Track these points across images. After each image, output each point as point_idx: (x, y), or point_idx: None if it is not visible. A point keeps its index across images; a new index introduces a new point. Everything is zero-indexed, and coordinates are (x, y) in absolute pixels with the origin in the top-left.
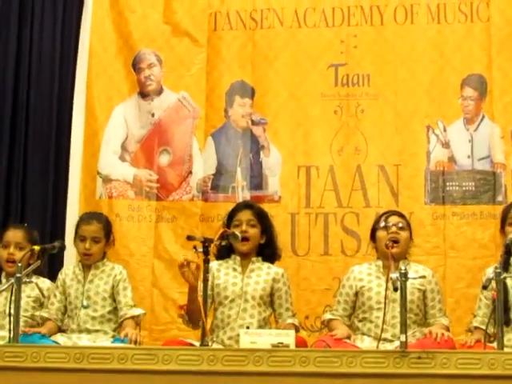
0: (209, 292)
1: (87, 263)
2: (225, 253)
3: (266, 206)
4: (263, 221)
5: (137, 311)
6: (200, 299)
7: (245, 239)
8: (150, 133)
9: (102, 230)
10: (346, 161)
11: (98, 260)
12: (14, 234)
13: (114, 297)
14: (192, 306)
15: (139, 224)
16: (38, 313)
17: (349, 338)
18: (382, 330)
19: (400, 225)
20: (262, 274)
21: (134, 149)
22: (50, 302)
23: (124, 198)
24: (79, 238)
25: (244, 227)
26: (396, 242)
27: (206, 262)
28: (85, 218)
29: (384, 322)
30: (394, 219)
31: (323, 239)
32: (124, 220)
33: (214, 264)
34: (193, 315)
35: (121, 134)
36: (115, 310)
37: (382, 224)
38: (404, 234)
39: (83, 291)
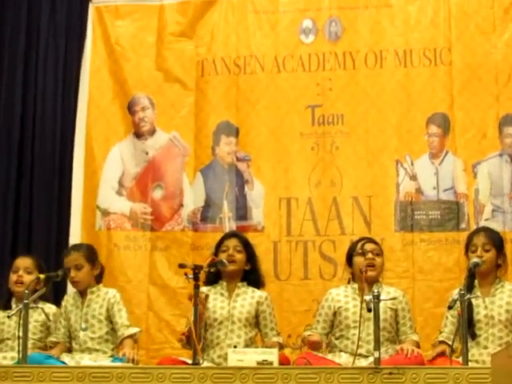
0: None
1: (78, 289)
2: (213, 279)
3: (250, 235)
4: (248, 249)
5: (133, 330)
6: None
7: (232, 262)
8: (144, 170)
9: (82, 257)
10: (322, 193)
11: (87, 285)
12: (23, 261)
13: (110, 319)
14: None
15: (135, 253)
16: (48, 339)
17: (320, 343)
18: (358, 347)
19: (376, 251)
20: (247, 297)
21: (129, 184)
22: (57, 328)
23: (121, 229)
24: (66, 269)
25: (231, 251)
26: (372, 266)
27: (196, 287)
28: (66, 251)
29: (359, 338)
30: (370, 246)
31: (303, 265)
32: (122, 249)
33: (203, 289)
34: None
35: (118, 171)
36: (112, 331)
37: (360, 250)
38: (379, 260)
39: (81, 315)
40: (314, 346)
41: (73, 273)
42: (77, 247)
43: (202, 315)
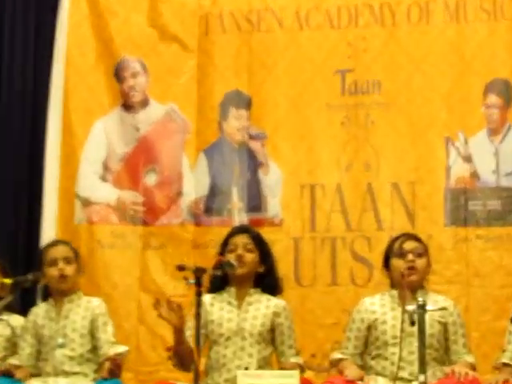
0: (202, 330)
1: (62, 288)
2: (219, 284)
3: (265, 231)
4: (261, 247)
5: (119, 348)
6: (190, 339)
7: (242, 263)
8: (134, 150)
9: (71, 252)
10: (354, 178)
11: (71, 288)
12: None
13: (92, 333)
14: (180, 348)
15: (123, 252)
16: (8, 360)
17: (361, 379)
18: (399, 368)
19: (417, 251)
20: (261, 307)
21: (116, 168)
22: (21, 348)
23: (106, 223)
24: (49, 263)
25: (240, 251)
26: (413, 269)
27: (199, 294)
28: (49, 244)
29: (400, 358)
30: (410, 245)
31: (330, 267)
32: (106, 248)
33: (206, 297)
34: (182, 358)
35: (102, 152)
36: (95, 349)
37: (397, 250)
38: (421, 261)
39: (58, 329)
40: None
41: (61, 264)
42: (62, 241)
43: (178, 329)
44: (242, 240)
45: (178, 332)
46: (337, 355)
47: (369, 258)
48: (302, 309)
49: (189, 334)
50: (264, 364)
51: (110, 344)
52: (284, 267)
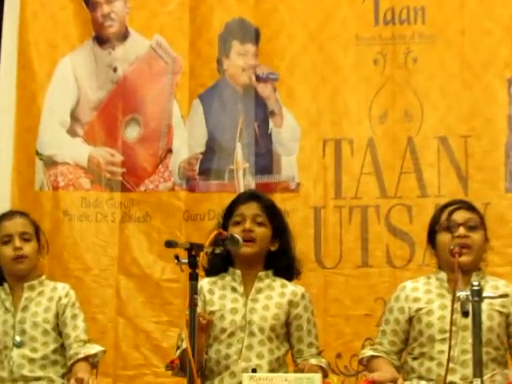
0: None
1: (20, 273)
2: (220, 265)
3: (278, 198)
4: (275, 219)
5: (93, 349)
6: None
7: (249, 240)
8: (111, 95)
9: (30, 226)
10: (391, 131)
11: (30, 271)
12: None
13: (59, 329)
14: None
15: (97, 225)
16: None
17: (394, 382)
18: (447, 371)
19: (470, 223)
20: (274, 294)
21: (88, 118)
22: None
23: (75, 188)
24: (2, 240)
25: (248, 225)
26: (465, 247)
27: (194, 278)
28: (2, 216)
29: (450, 358)
30: (461, 215)
31: (360, 244)
32: (75, 220)
33: (204, 283)
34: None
35: (70, 98)
36: (62, 349)
37: (446, 223)
38: (476, 237)
39: (14, 323)
40: None
41: (18, 242)
42: (19, 212)
43: (204, 328)
44: (250, 210)
45: (203, 331)
46: (368, 352)
47: (409, 231)
48: (324, 297)
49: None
50: (277, 366)
51: (81, 343)
52: (302, 244)
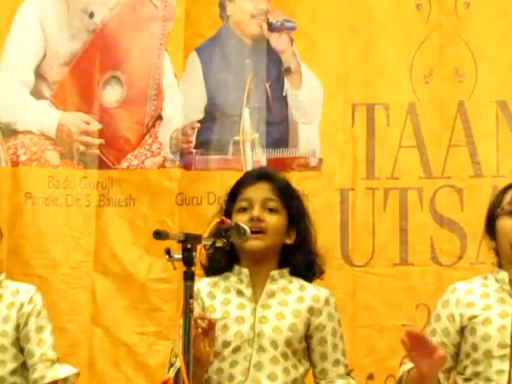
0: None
1: None
2: (222, 262)
3: (295, 177)
4: (291, 204)
5: (63, 370)
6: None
7: (258, 231)
8: (86, 47)
9: None
10: (438, 94)
11: None
12: None
13: (20, 345)
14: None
15: (68, 211)
16: None
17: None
18: None
19: None
20: (290, 299)
21: (58, 76)
22: None
23: (40, 164)
24: None
25: (257, 212)
26: None
27: (190, 277)
28: None
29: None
30: None
31: (399, 235)
32: (40, 204)
33: (203, 284)
34: None
35: (34, 51)
36: (24, 369)
37: (507, 208)
38: None
39: None
40: None
41: None
42: None
43: (205, 332)
44: (259, 193)
45: (199, 364)
46: (408, 365)
47: (460, 220)
48: (353, 302)
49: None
50: None
51: (49, 363)
52: (325, 236)
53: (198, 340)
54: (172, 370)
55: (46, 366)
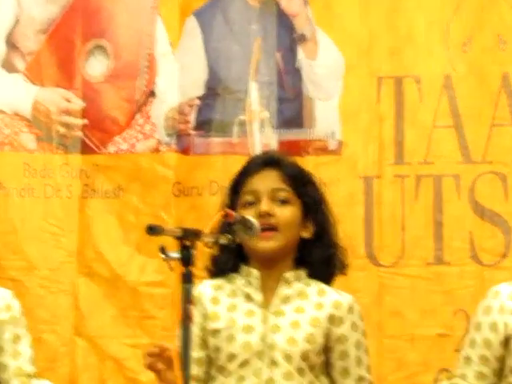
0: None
1: None
2: (228, 262)
3: (310, 163)
4: (306, 192)
5: None
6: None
7: (268, 229)
8: (66, 12)
9: None
10: (478, 65)
11: None
12: None
13: None
14: None
15: (47, 203)
16: None
17: None
18: None
19: None
20: (308, 306)
21: (33, 46)
22: None
23: (14, 149)
24: None
25: (265, 206)
26: None
27: (189, 280)
28: None
29: None
30: None
31: (433, 230)
32: (14, 196)
33: (204, 287)
34: None
35: (5, 16)
36: None
37: None
38: None
39: None
40: None
41: None
42: None
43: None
44: (267, 182)
45: None
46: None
47: (504, 212)
48: (379, 308)
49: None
50: None
51: (25, 378)
52: (347, 231)
53: (168, 372)
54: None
55: (22, 382)
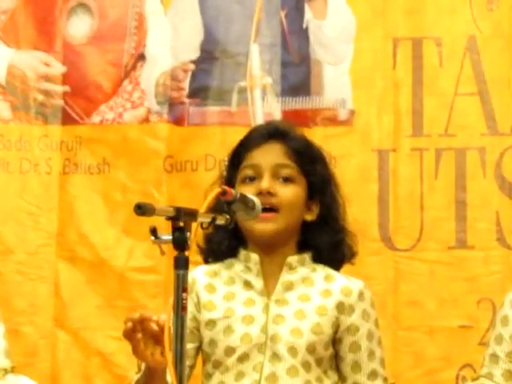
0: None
1: None
2: (225, 246)
3: (318, 135)
4: (312, 169)
5: (18, 383)
6: (168, 357)
7: (268, 209)
8: None
9: None
10: (505, 25)
11: None
12: None
13: None
14: None
15: (23, 179)
16: None
17: None
18: None
19: None
20: (314, 293)
21: (7, 4)
22: None
23: None
24: None
25: (266, 183)
26: None
27: (182, 265)
28: None
29: None
30: None
31: (454, 210)
32: None
33: (199, 274)
34: None
35: None
36: None
37: None
38: None
39: None
40: None
41: None
42: None
43: (153, 370)
44: (269, 157)
45: (152, 373)
46: None
47: None
48: (395, 297)
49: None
50: None
51: (0, 373)
52: (359, 211)
53: (144, 346)
54: (136, 377)
55: None
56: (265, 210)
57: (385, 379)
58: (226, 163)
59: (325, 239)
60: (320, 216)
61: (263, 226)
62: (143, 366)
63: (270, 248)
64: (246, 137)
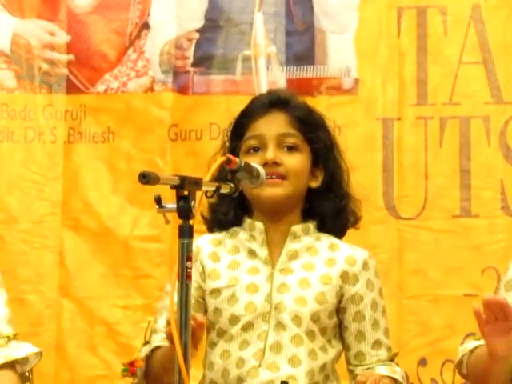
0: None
1: None
2: (230, 215)
3: (323, 104)
4: (316, 138)
5: (21, 349)
6: (172, 325)
7: (275, 176)
8: None
9: None
10: None
11: None
12: None
13: None
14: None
15: (28, 148)
16: None
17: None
18: None
19: None
20: (318, 262)
21: None
22: None
23: None
24: None
25: (271, 153)
26: None
27: (187, 234)
28: None
29: None
30: None
31: (459, 179)
32: None
33: (203, 243)
34: (159, 374)
35: None
36: None
37: None
38: None
39: None
40: None
41: None
42: None
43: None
44: (273, 126)
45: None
46: (472, 343)
47: None
48: (400, 266)
49: (163, 323)
50: (322, 379)
51: (3, 340)
52: (363, 180)
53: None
54: (145, 349)
55: (0, 345)
56: (272, 177)
57: (389, 349)
58: (228, 133)
59: (329, 206)
60: (324, 182)
61: (272, 190)
62: (156, 340)
63: (275, 215)
64: (248, 106)
